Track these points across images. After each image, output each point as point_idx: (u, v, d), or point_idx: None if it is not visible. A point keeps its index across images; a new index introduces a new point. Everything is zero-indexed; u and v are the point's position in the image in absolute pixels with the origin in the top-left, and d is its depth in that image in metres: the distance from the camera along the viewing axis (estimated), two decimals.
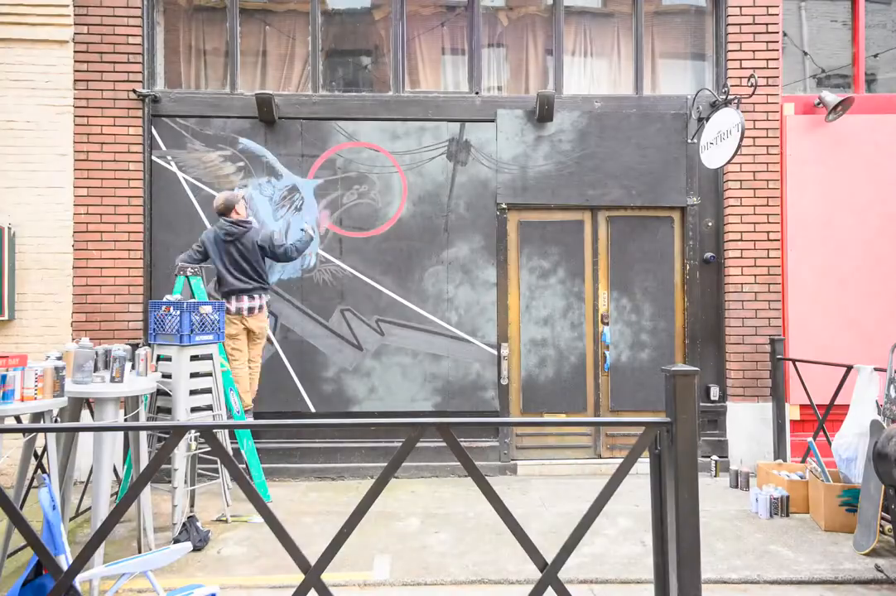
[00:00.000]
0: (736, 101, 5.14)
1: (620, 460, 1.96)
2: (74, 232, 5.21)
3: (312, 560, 1.85)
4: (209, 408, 4.18)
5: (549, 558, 1.90)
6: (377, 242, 5.39)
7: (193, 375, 4.06)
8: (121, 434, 4.31)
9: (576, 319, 5.49)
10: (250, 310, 4.69)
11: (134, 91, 5.25)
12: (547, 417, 5.42)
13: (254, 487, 1.88)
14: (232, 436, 4.61)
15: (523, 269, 5.50)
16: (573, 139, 5.46)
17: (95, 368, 3.54)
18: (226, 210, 4.65)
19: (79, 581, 2.19)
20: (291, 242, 4.87)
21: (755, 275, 5.44)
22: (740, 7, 5.47)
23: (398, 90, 5.51)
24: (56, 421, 3.27)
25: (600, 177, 5.46)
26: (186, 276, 4.42)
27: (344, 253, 5.37)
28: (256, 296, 4.72)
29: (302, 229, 5.03)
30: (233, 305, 4.66)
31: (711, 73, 5.68)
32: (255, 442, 4.87)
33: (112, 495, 4.00)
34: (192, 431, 4.01)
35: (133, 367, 3.74)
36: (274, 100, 5.22)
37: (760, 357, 5.38)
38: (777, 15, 5.49)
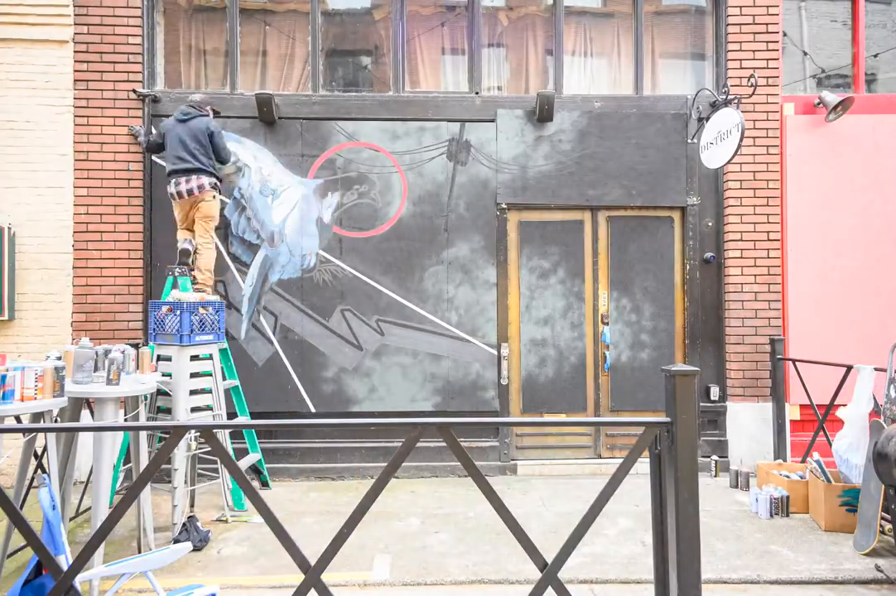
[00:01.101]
0: (736, 101, 5.14)
1: (620, 460, 1.96)
2: (74, 232, 5.21)
3: (312, 560, 1.85)
4: (209, 408, 4.18)
5: (549, 558, 1.90)
6: (377, 242, 5.39)
7: (193, 375, 4.07)
8: (121, 434, 4.32)
9: (576, 318, 5.49)
10: (189, 192, 4.57)
11: (134, 91, 5.25)
12: (547, 417, 5.42)
13: (254, 487, 1.88)
14: (240, 436, 4.64)
15: (523, 269, 5.50)
16: (573, 139, 5.46)
17: (95, 368, 3.54)
18: (200, 103, 4.77)
19: (79, 581, 2.19)
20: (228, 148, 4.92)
21: (755, 275, 5.44)
22: (740, 7, 5.48)
23: (398, 90, 5.51)
24: (56, 421, 3.27)
25: (600, 177, 5.46)
26: (175, 277, 4.43)
27: (344, 253, 5.37)
28: (194, 177, 4.58)
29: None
30: (171, 187, 4.62)
31: (711, 73, 5.67)
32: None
33: None
34: (192, 431, 4.01)
35: (137, 366, 3.75)
36: (274, 100, 5.22)
37: (760, 357, 5.38)
38: (777, 15, 5.49)
